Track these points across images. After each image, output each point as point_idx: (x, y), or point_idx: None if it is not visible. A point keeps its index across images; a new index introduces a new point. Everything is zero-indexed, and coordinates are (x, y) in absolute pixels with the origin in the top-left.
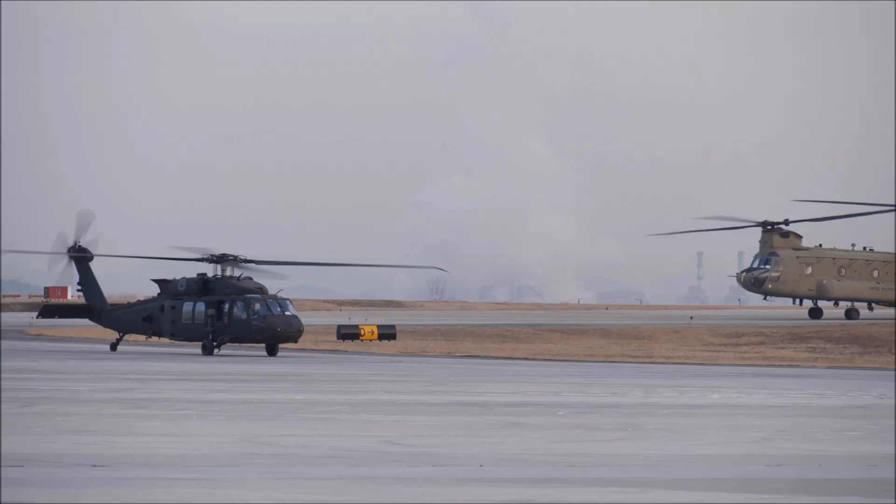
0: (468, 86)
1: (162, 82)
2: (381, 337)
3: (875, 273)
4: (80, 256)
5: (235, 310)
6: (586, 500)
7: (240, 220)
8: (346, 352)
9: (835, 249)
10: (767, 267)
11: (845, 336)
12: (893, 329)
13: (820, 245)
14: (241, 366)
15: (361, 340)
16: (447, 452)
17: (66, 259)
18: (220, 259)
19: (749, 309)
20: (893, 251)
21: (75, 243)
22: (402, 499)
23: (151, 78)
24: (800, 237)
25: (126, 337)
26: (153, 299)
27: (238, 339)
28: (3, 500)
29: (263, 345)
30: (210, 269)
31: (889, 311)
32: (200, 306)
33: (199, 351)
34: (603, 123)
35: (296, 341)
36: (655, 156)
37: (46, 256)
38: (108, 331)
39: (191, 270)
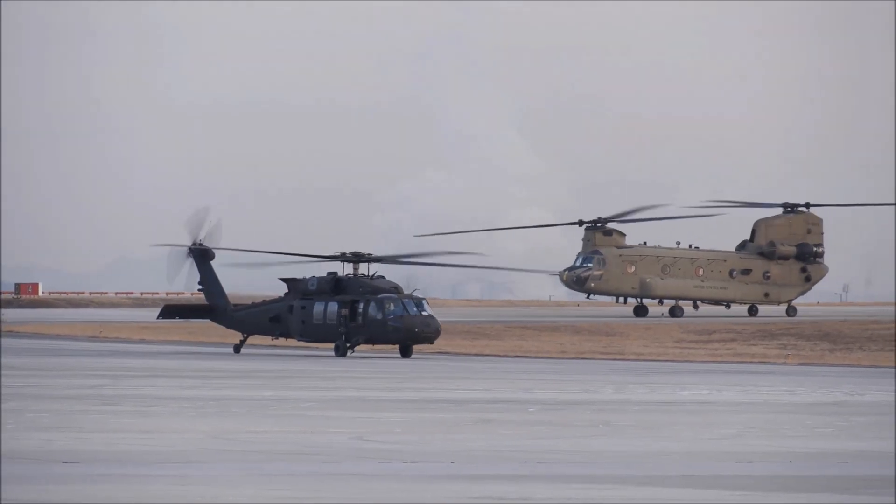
0: (441, 79)
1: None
2: None
3: (700, 271)
4: (201, 254)
5: (370, 309)
6: (557, 497)
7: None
8: (317, 348)
9: (658, 248)
10: (590, 265)
11: (816, 333)
12: (864, 326)
13: (644, 243)
14: (211, 362)
15: None
16: (418, 449)
17: (186, 257)
18: (354, 257)
19: (721, 306)
20: (719, 249)
21: (196, 241)
22: (374, 496)
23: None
24: (623, 235)
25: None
26: (280, 299)
27: (373, 339)
28: None
29: (397, 346)
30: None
31: (715, 309)
32: (333, 306)
33: (330, 352)
34: (579, 118)
35: (432, 342)
36: (632, 151)
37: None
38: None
39: (319, 269)
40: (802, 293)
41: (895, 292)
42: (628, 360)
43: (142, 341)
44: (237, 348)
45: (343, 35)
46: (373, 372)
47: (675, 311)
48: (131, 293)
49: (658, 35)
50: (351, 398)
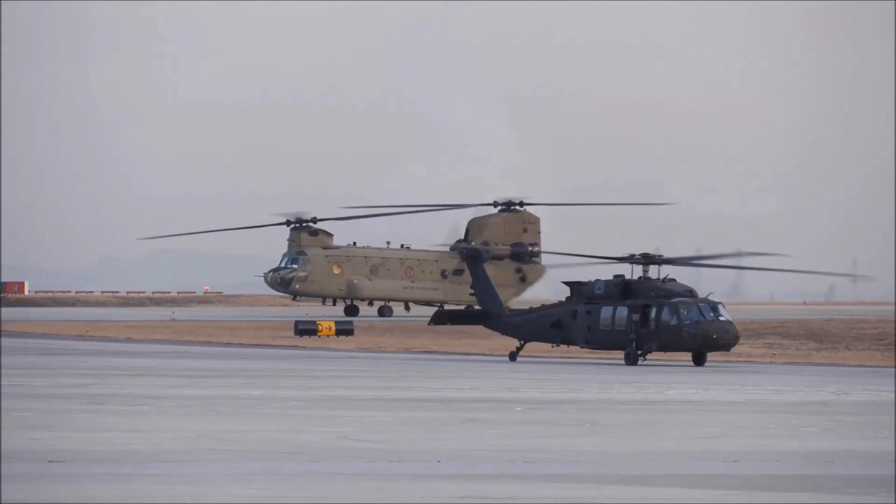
0: (427, 72)
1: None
2: (339, 333)
3: (410, 272)
4: (473, 256)
5: (664, 315)
6: (544, 496)
7: (188, 212)
8: (303, 348)
9: (367, 248)
10: (294, 266)
11: (802, 332)
12: (850, 325)
13: (354, 243)
14: (197, 362)
15: (319, 336)
16: (405, 448)
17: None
18: (644, 259)
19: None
20: (432, 249)
21: (468, 243)
22: (360, 495)
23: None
24: (330, 235)
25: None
26: (561, 303)
27: (666, 346)
28: None
29: (690, 354)
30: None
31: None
32: (622, 311)
33: (617, 360)
34: (567, 111)
35: (729, 350)
36: (622, 146)
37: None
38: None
39: (601, 272)
40: (517, 294)
41: (895, 292)
42: (614, 359)
43: (128, 340)
44: (513, 356)
45: (328, 31)
46: (360, 371)
47: (383, 312)
48: (117, 292)
49: (648, 30)
50: (337, 397)
